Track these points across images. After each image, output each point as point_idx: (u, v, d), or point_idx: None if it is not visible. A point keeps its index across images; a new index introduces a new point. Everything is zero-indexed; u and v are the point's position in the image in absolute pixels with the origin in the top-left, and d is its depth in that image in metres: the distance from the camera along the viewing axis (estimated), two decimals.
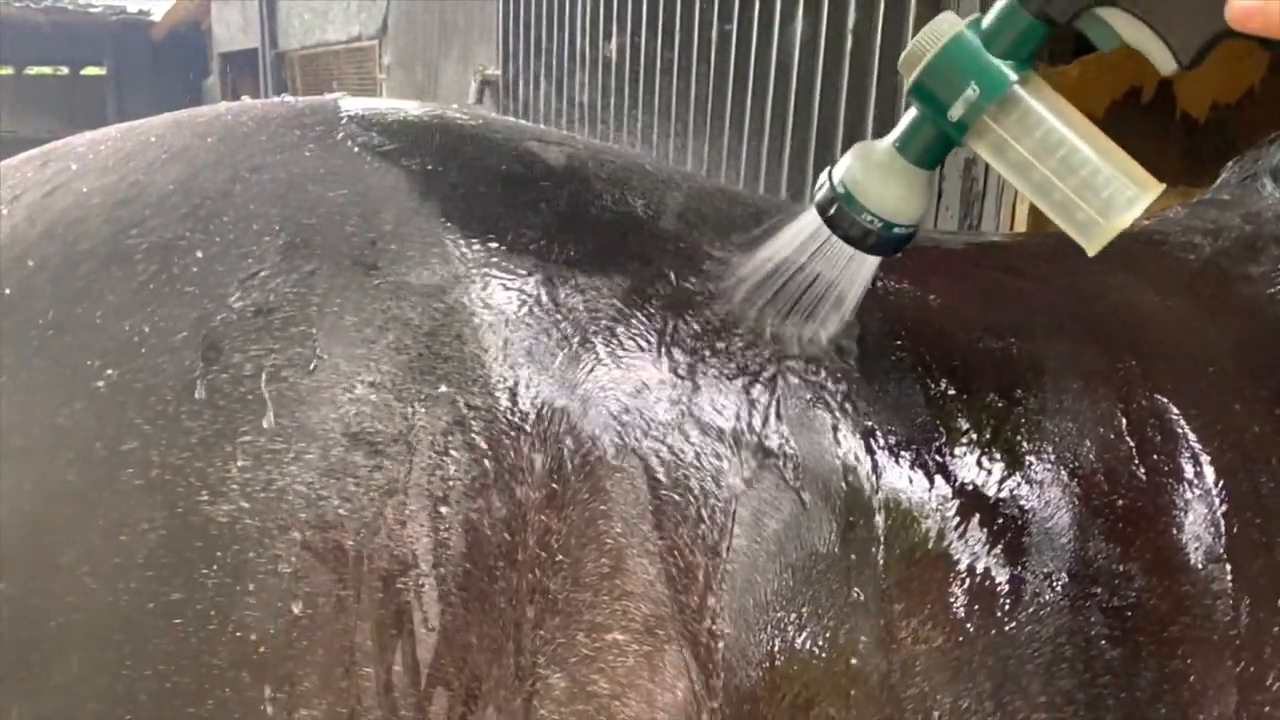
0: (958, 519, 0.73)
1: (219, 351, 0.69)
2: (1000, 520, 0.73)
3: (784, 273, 0.74)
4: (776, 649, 0.71)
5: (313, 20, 8.11)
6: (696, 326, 0.77)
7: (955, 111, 0.68)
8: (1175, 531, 0.73)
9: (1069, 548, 0.73)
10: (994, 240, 1.10)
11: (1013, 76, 0.68)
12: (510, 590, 0.70)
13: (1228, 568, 0.73)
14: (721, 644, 0.70)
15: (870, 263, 0.73)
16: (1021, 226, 2.50)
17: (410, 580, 0.68)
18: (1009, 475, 0.74)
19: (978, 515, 0.73)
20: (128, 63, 13.42)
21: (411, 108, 0.88)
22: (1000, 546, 0.72)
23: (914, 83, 0.69)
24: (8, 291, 0.71)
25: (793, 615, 0.71)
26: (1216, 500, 0.74)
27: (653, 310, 0.76)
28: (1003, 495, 0.74)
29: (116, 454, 0.67)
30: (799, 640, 0.71)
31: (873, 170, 0.71)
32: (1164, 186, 0.68)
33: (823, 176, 0.73)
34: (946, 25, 0.69)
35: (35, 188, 0.77)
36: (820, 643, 0.71)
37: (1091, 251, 0.68)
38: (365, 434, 0.69)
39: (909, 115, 0.72)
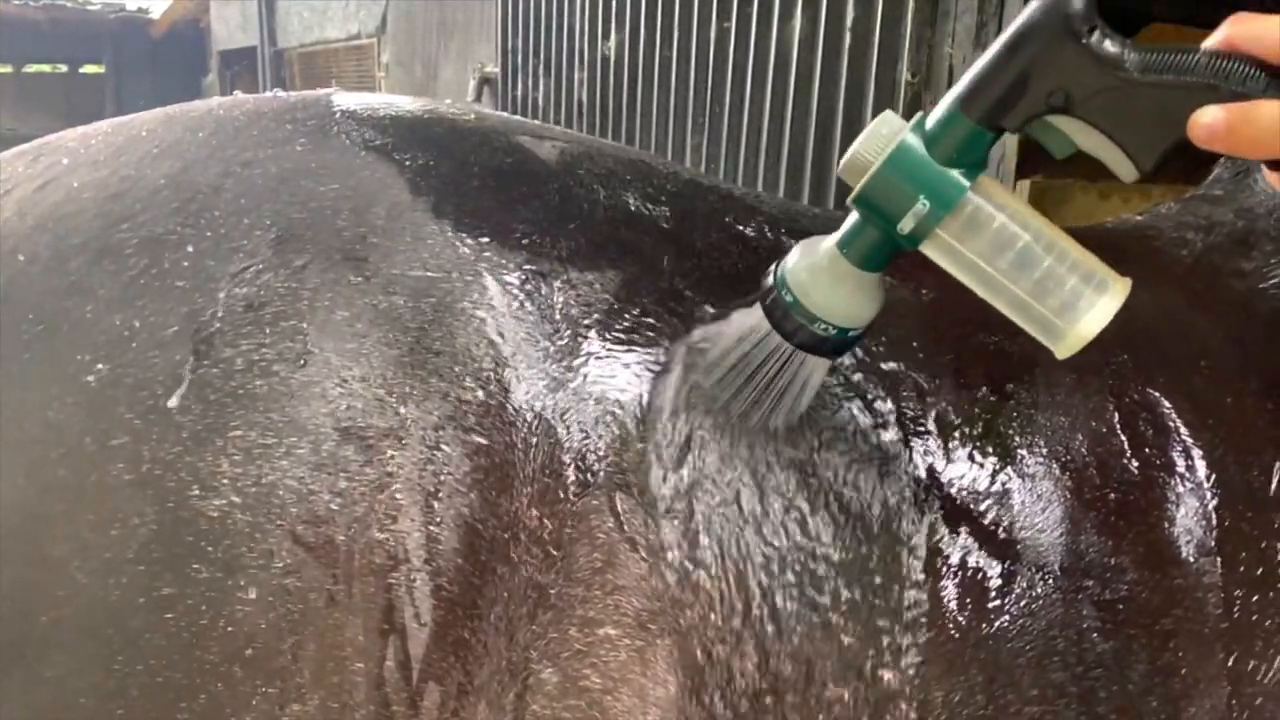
0: (949, 513, 0.73)
1: (210, 346, 0.69)
2: (992, 514, 0.73)
3: (736, 375, 0.71)
4: (769, 643, 0.71)
5: (312, 18, 8.11)
6: (689, 321, 0.77)
7: (905, 225, 0.64)
8: (1167, 525, 0.73)
9: (1061, 541, 0.73)
10: None
11: (965, 184, 0.64)
12: (502, 585, 0.70)
13: (1219, 561, 0.73)
14: (714, 638, 0.70)
15: (824, 363, 0.71)
16: None
17: (402, 575, 0.68)
18: (1001, 469, 0.74)
19: (969, 509, 0.73)
20: (127, 60, 13.42)
21: (404, 103, 0.88)
22: (992, 540, 0.72)
23: (858, 195, 0.65)
24: None
25: (784, 609, 0.71)
26: (1208, 494, 0.74)
27: (645, 305, 0.76)
28: (994, 489, 0.74)
29: (107, 449, 0.67)
30: (791, 635, 0.71)
31: (819, 275, 0.68)
32: (1130, 283, 0.64)
33: (768, 275, 0.70)
34: (888, 130, 0.65)
35: (26, 182, 0.77)
36: (812, 637, 0.71)
37: (1061, 355, 0.65)
38: (356, 429, 0.69)
39: (852, 219, 0.67)
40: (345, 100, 0.85)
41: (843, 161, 0.66)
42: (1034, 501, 0.73)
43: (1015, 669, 0.71)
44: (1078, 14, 0.61)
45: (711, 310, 0.77)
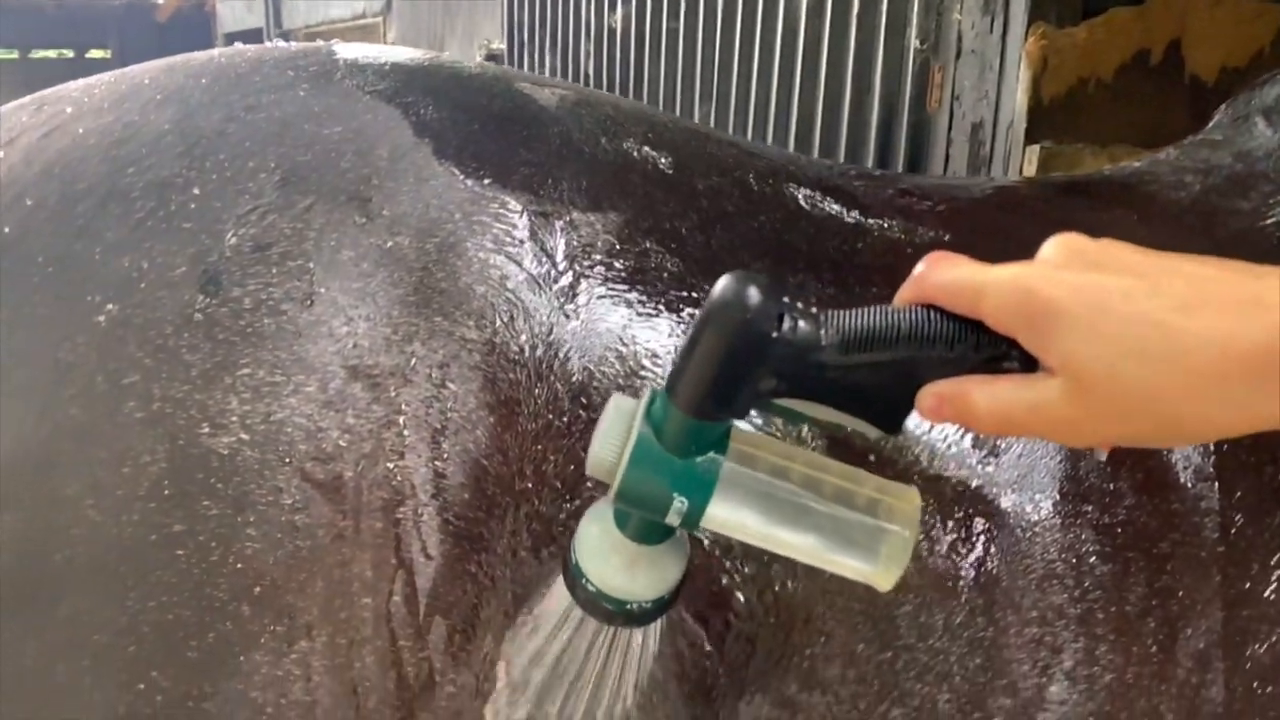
0: (949, 442, 0.74)
1: (218, 285, 0.70)
2: (992, 441, 0.74)
3: (562, 670, 0.66)
4: (766, 569, 0.71)
5: None
6: (689, 260, 0.77)
7: (672, 520, 0.58)
8: (1165, 451, 0.74)
9: (1061, 467, 0.73)
10: (1001, 184, 1.08)
11: (718, 464, 0.58)
12: (509, 519, 0.70)
13: (1216, 486, 0.73)
14: (713, 567, 0.71)
15: (653, 627, 0.65)
16: None
17: (409, 510, 0.69)
18: None
19: (969, 436, 0.74)
20: (133, 45, 13.33)
21: (406, 52, 0.88)
22: (992, 466, 0.73)
23: (617, 497, 0.59)
24: (7, 230, 0.72)
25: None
26: None
27: (646, 245, 0.77)
28: None
29: (118, 387, 0.68)
30: (787, 561, 0.71)
31: (611, 560, 0.62)
32: (918, 499, 0.59)
33: (568, 554, 0.63)
34: (622, 425, 0.59)
35: (32, 130, 0.77)
36: (801, 580, 0.71)
37: (884, 590, 0.59)
38: (364, 367, 0.70)
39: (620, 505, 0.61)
40: (347, 49, 0.86)
41: (588, 459, 0.60)
42: None
43: (1015, 591, 0.72)
44: (759, 312, 0.54)
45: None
